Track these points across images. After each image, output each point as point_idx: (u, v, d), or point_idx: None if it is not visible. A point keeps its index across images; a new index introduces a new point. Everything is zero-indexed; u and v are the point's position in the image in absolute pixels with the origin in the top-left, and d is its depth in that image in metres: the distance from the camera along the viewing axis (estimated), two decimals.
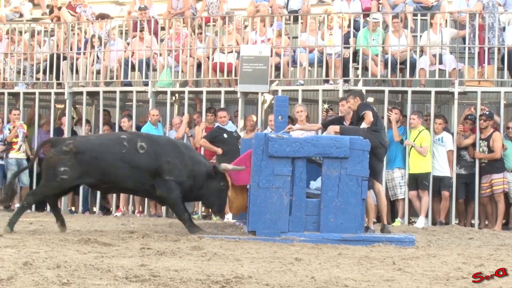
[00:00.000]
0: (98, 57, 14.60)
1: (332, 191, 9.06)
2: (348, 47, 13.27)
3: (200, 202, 13.37)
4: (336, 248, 8.46)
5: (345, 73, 13.27)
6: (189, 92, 14.13)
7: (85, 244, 8.29)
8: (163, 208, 13.47)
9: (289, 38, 14.14)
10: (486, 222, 12.70)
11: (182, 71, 14.09)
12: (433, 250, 8.72)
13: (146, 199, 13.06)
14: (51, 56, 14.76)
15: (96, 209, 14.30)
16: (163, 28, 14.67)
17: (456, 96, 12.70)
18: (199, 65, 14.05)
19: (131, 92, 14.47)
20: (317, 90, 13.43)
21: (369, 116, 9.85)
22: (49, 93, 14.81)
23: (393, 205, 12.84)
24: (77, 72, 14.60)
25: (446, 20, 13.20)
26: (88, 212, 14.09)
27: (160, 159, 9.69)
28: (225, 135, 12.72)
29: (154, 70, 14.38)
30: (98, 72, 14.59)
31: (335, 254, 7.98)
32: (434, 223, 12.53)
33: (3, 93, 15.01)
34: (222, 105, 13.58)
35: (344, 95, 12.32)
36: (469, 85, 12.94)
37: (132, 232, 9.56)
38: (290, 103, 12.14)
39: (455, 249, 8.92)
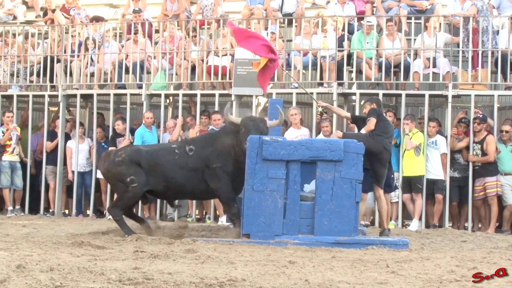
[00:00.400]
0: (92, 60, 14.58)
1: (326, 194, 9.07)
2: (342, 50, 13.29)
3: (194, 204, 13.41)
4: (330, 251, 8.47)
5: (339, 76, 13.29)
6: (183, 95, 14.12)
7: (78, 247, 8.28)
8: (157, 212, 13.47)
9: (283, 41, 14.16)
10: (480, 225, 12.72)
11: (176, 74, 14.08)
12: (426, 253, 8.74)
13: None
14: (45, 59, 14.73)
15: (89, 212, 14.27)
16: (157, 31, 14.65)
17: (449, 99, 12.73)
18: (193, 68, 14.04)
19: (125, 95, 14.44)
20: (311, 93, 13.43)
21: (369, 123, 10.06)
22: (43, 96, 14.78)
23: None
24: (71, 74, 14.57)
25: (440, 24, 13.23)
26: (82, 215, 14.06)
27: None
28: None
29: (148, 72, 14.36)
30: (92, 74, 14.57)
31: (329, 257, 7.98)
32: (427, 226, 12.55)
33: None
34: (216, 108, 13.57)
35: (363, 99, 12.33)
36: (462, 88, 12.97)
37: (126, 235, 9.54)
38: (284, 106, 12.15)
39: (448, 252, 8.94)
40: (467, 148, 12.64)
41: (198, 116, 13.57)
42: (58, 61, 14.67)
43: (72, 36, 14.78)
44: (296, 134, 12.48)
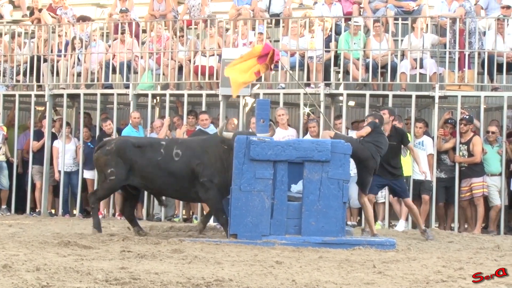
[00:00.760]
0: (79, 59, 14.53)
1: (314, 195, 9.08)
2: (329, 51, 13.31)
3: (181, 204, 13.40)
4: (317, 251, 8.48)
5: (326, 77, 13.30)
6: (171, 95, 14.10)
7: (65, 246, 8.26)
8: (144, 211, 13.45)
9: (270, 41, 14.14)
10: (466, 226, 12.76)
11: (163, 74, 14.05)
12: (413, 253, 8.77)
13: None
14: (32, 58, 14.66)
15: (76, 211, 14.22)
16: (144, 31, 14.62)
17: (436, 100, 12.77)
18: (180, 68, 14.02)
19: (112, 94, 14.39)
20: (299, 94, 13.43)
21: (362, 130, 10.20)
22: (30, 95, 14.71)
23: (373, 208, 12.86)
24: (57, 74, 14.51)
25: (427, 25, 13.26)
26: (68, 214, 14.01)
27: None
28: None
29: (135, 72, 14.32)
30: (79, 74, 14.52)
31: (316, 257, 7.99)
32: (414, 226, 12.55)
33: None
34: (204, 108, 13.56)
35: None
36: (449, 89, 13.01)
37: (113, 235, 9.54)
38: (271, 107, 12.14)
39: (435, 252, 8.97)
40: (454, 149, 12.68)
41: (185, 116, 13.55)
42: (45, 60, 14.61)
43: (59, 35, 14.72)
44: (283, 134, 12.48)
